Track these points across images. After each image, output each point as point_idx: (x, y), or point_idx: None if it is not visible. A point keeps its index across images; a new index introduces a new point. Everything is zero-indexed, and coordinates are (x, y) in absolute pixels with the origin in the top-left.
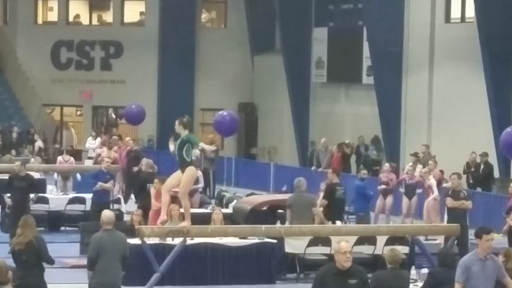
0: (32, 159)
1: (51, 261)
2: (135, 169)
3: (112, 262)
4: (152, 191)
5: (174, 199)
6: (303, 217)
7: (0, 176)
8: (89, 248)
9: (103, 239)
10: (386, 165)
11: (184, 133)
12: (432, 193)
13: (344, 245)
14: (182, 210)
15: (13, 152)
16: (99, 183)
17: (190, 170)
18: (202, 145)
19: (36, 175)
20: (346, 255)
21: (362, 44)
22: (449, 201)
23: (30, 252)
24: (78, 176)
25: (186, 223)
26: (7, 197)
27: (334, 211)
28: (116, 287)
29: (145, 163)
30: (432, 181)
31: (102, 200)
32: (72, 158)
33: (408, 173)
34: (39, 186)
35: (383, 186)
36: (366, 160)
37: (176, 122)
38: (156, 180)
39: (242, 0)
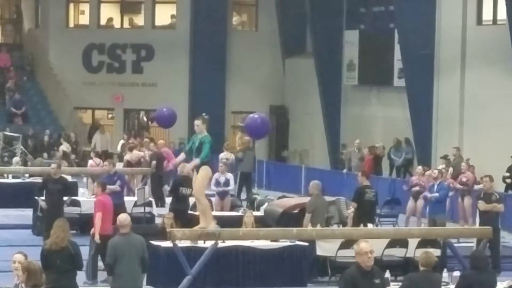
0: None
1: (82, 267)
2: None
3: (131, 265)
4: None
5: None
6: (322, 220)
7: (33, 179)
8: (107, 255)
9: (119, 244)
10: (419, 168)
11: (204, 132)
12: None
13: (364, 245)
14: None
15: (45, 155)
16: (108, 187)
17: (204, 169)
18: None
19: (68, 178)
20: (368, 254)
21: (393, 47)
22: (481, 204)
23: (65, 257)
24: None
25: (212, 225)
26: (41, 200)
27: (364, 213)
28: None
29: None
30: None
31: (114, 203)
32: (102, 162)
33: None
34: (72, 188)
35: (416, 188)
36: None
37: (200, 121)
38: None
39: (273, 2)
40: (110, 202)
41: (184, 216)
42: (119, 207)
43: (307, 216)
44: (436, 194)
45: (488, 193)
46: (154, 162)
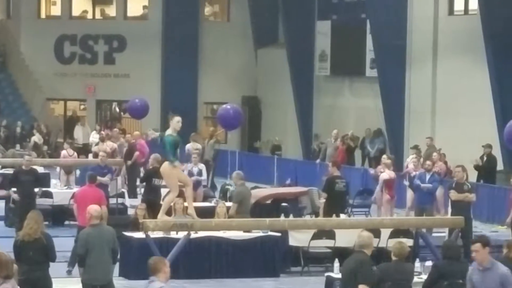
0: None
1: (55, 259)
2: (129, 162)
3: (102, 257)
4: None
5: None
6: (247, 209)
7: (5, 170)
8: (78, 246)
9: (90, 235)
10: (384, 157)
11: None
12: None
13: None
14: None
15: (18, 146)
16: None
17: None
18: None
19: (40, 169)
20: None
21: (365, 37)
22: (453, 194)
23: (38, 248)
24: (77, 171)
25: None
26: (13, 192)
27: (334, 204)
28: (107, 281)
29: (152, 158)
30: (382, 175)
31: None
32: (75, 153)
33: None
34: (44, 180)
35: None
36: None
37: (180, 119)
38: None
39: None
40: (92, 194)
41: (156, 207)
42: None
43: (234, 206)
44: (430, 185)
45: (460, 183)
46: (137, 153)
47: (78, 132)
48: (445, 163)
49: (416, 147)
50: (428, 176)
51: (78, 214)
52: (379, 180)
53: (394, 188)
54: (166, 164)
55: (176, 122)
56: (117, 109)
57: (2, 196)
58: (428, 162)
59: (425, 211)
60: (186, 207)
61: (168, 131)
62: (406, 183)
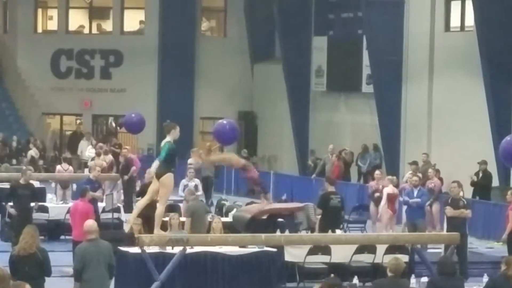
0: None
1: (50, 273)
2: (125, 177)
3: (98, 271)
4: None
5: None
6: (202, 225)
7: (0, 185)
8: (74, 260)
9: (87, 250)
10: (377, 173)
11: (166, 138)
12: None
13: None
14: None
15: (14, 161)
16: (90, 193)
17: (168, 177)
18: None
19: (36, 184)
20: None
21: (361, 53)
22: (449, 210)
23: (33, 263)
24: (74, 186)
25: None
26: (9, 206)
27: (329, 220)
28: None
29: (148, 172)
30: (385, 189)
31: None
32: (70, 167)
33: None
34: (40, 194)
35: (377, 194)
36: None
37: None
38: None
39: (242, 8)
40: (80, 208)
41: (152, 222)
42: (96, 213)
43: (187, 221)
44: (418, 200)
45: (456, 199)
46: (134, 168)
47: (83, 147)
48: (440, 179)
49: (415, 163)
50: (416, 192)
51: (72, 228)
52: (383, 194)
53: (395, 203)
54: (169, 174)
55: (178, 131)
56: (114, 124)
57: None
58: (415, 178)
59: (417, 226)
60: (182, 222)
61: (168, 139)
62: (401, 199)
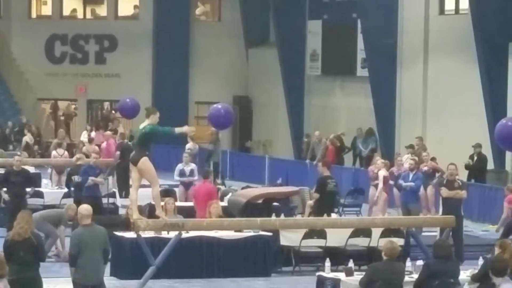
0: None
1: (45, 259)
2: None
3: (94, 256)
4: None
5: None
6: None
7: None
8: (70, 245)
9: (83, 235)
10: (377, 157)
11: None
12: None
13: None
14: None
15: (10, 146)
16: (91, 178)
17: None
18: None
19: (31, 169)
20: None
21: (356, 37)
22: (444, 191)
23: (28, 248)
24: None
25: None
26: (3, 192)
27: (326, 204)
28: (98, 281)
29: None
30: (380, 173)
31: (95, 195)
32: (66, 152)
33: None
34: (35, 180)
35: (377, 182)
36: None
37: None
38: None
39: None
40: (206, 189)
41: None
42: (100, 199)
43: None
44: (412, 184)
45: (451, 180)
46: (118, 153)
47: (84, 133)
48: (433, 159)
49: (411, 147)
50: (411, 175)
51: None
52: (379, 177)
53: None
54: (145, 159)
55: (157, 117)
56: (110, 109)
57: None
58: (410, 161)
59: (410, 209)
60: (177, 207)
61: (148, 123)
62: (392, 182)
